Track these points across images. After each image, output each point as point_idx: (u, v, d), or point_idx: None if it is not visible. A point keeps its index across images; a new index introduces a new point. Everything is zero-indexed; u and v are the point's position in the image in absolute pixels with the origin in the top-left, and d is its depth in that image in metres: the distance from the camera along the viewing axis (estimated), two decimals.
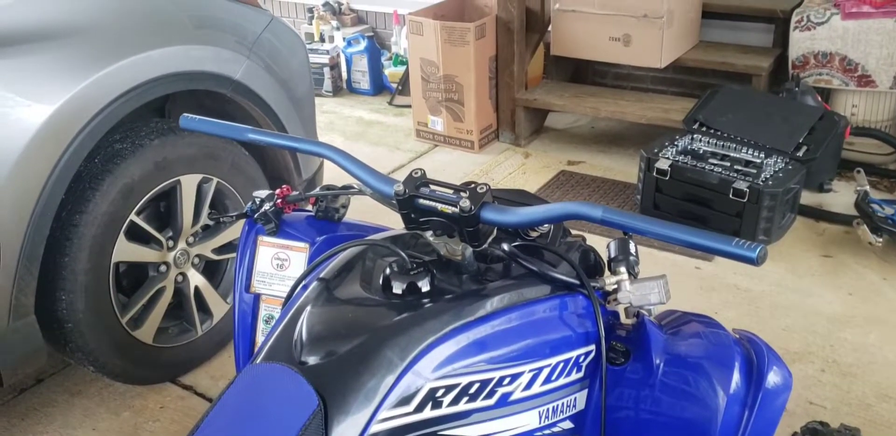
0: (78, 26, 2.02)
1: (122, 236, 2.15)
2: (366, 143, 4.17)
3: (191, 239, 2.36)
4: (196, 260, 2.39)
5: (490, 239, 1.13)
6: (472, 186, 1.09)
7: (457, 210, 1.07)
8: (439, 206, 1.09)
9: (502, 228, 1.15)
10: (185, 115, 1.34)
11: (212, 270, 2.48)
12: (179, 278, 2.36)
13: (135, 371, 2.34)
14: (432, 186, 1.12)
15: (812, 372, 2.41)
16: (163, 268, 2.30)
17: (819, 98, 3.45)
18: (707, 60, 3.81)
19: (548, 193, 3.54)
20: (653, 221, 0.97)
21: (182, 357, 2.45)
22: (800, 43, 3.47)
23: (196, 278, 2.40)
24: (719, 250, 0.93)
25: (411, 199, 1.10)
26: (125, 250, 2.18)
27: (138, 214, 2.19)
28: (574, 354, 1.13)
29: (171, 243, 2.31)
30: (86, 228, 2.05)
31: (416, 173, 1.13)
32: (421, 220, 1.12)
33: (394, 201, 1.12)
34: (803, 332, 2.59)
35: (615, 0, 3.61)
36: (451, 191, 1.10)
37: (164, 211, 2.32)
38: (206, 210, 2.36)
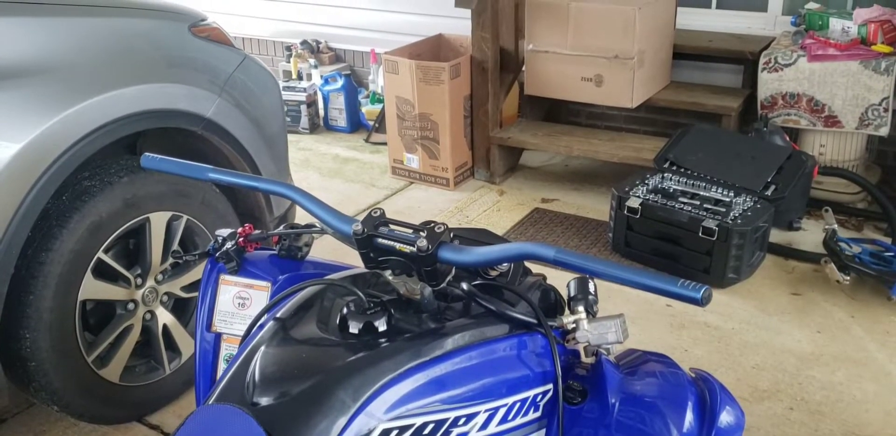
0: (50, 63, 2.03)
1: (89, 274, 2.13)
2: (342, 180, 4.19)
3: (160, 277, 2.35)
4: (165, 298, 2.38)
5: (448, 278, 1.14)
6: (431, 225, 1.10)
7: (414, 250, 1.07)
8: (397, 245, 1.10)
9: (462, 268, 1.16)
10: (147, 154, 1.35)
11: (181, 307, 2.46)
12: (147, 316, 2.34)
13: (100, 411, 2.30)
14: (391, 226, 1.13)
15: (780, 410, 2.42)
16: (131, 306, 2.28)
17: (787, 138, 3.51)
18: (678, 100, 3.88)
19: (522, 230, 3.56)
20: (603, 263, 0.99)
21: (149, 396, 2.41)
22: (768, 84, 3.54)
23: (164, 316, 2.39)
24: (665, 291, 0.94)
25: (370, 238, 1.12)
26: (92, 288, 2.16)
27: (106, 251, 2.18)
28: (531, 393, 1.13)
29: (139, 281, 2.29)
30: (52, 265, 2.03)
31: (375, 213, 1.14)
32: (380, 259, 1.13)
33: (353, 240, 1.13)
34: (772, 370, 2.60)
35: (587, 41, 3.68)
36: (409, 230, 1.12)
37: (133, 248, 2.31)
38: (175, 247, 2.35)
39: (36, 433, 2.41)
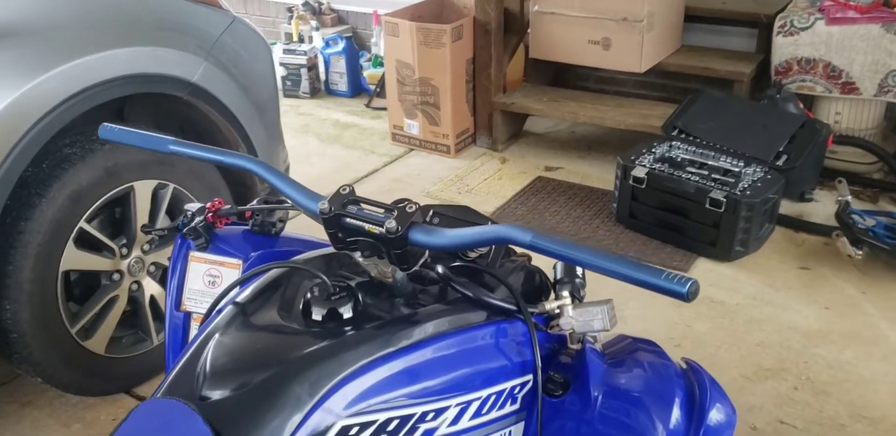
0: (27, 24, 1.94)
1: (70, 244, 2.08)
2: (341, 146, 4.09)
3: (146, 247, 2.28)
4: (152, 268, 2.32)
5: (423, 260, 1.06)
6: (403, 205, 1.02)
7: (383, 231, 1.00)
8: (366, 226, 1.02)
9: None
10: (105, 124, 1.28)
11: None
12: (134, 287, 2.29)
13: (86, 382, 2.26)
14: (362, 205, 1.05)
15: (784, 390, 2.34)
16: (116, 276, 2.23)
17: (801, 105, 3.39)
18: (689, 65, 3.75)
19: (523, 199, 3.47)
20: (583, 249, 0.90)
21: (136, 368, 2.37)
22: (783, 48, 3.41)
23: (152, 287, 2.33)
24: (648, 284, 0.86)
25: (337, 217, 1.04)
26: (74, 258, 2.10)
27: (90, 220, 2.12)
28: (508, 385, 1.06)
29: (124, 251, 2.23)
30: (31, 235, 1.98)
31: (343, 190, 1.05)
32: (348, 239, 1.05)
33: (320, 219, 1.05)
34: (777, 347, 2.52)
35: (594, 3, 3.55)
36: (380, 210, 1.04)
37: (119, 217, 2.25)
38: (162, 217, 2.29)
39: (22, 404, 2.38)
